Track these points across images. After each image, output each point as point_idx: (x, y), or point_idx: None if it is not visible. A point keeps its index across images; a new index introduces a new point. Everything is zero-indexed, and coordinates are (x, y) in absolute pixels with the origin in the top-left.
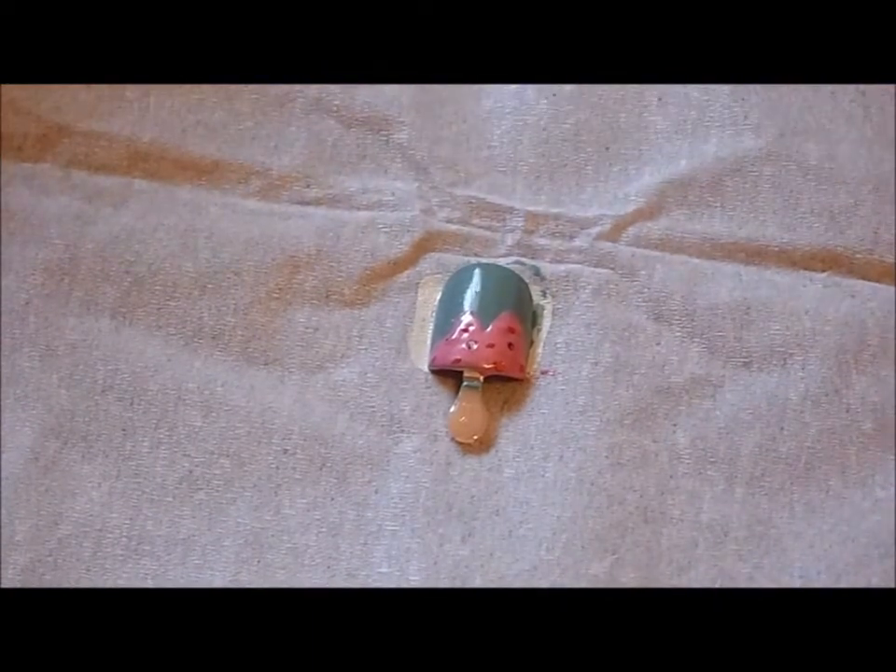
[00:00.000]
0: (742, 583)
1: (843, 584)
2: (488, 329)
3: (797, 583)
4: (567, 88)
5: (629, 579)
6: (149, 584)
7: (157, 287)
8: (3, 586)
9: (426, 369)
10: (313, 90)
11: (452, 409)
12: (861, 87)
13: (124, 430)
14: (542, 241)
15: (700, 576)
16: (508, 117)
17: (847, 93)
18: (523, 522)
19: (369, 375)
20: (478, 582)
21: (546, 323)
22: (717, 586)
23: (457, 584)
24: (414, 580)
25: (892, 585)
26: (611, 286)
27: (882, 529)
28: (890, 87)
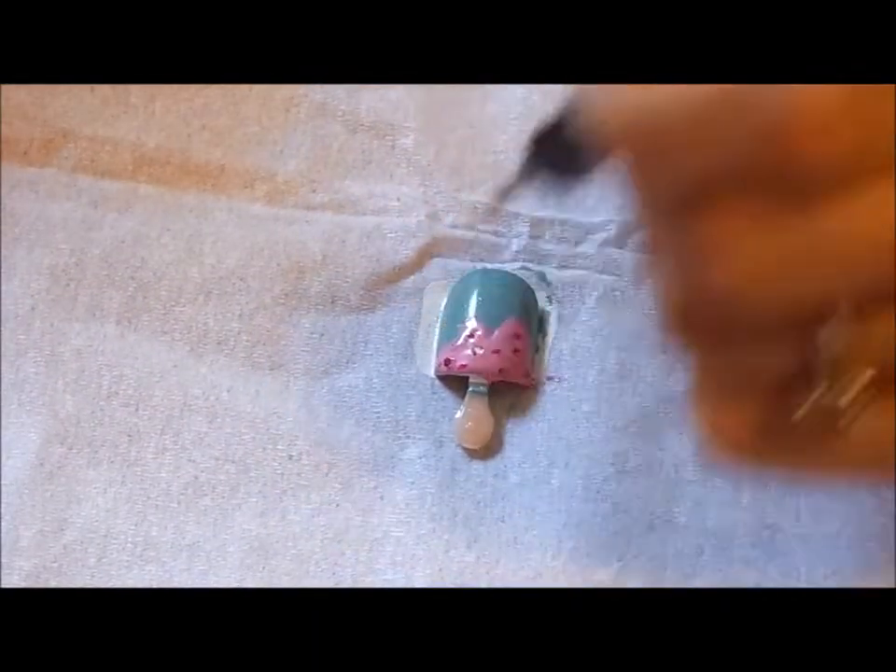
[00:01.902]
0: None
1: (849, 586)
2: (494, 335)
3: (803, 587)
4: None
5: (634, 586)
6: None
7: (162, 293)
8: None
9: (431, 374)
10: (318, 94)
11: (458, 414)
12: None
13: (129, 436)
14: (548, 246)
15: (706, 583)
16: (514, 122)
17: None
18: (528, 528)
19: (374, 381)
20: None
21: (552, 329)
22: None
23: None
24: (420, 586)
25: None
26: (617, 292)
27: (889, 531)
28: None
